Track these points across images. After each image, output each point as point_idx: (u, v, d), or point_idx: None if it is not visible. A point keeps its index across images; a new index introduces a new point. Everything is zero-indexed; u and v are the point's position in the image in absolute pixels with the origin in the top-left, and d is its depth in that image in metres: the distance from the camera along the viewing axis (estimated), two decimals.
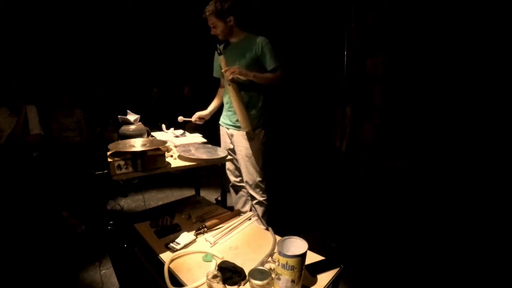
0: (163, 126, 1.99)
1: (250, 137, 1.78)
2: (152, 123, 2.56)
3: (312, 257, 1.08)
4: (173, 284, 0.96)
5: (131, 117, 1.74)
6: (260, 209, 1.90)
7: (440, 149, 2.64)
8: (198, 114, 1.93)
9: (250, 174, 1.83)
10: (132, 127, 1.70)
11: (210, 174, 3.02)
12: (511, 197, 2.15)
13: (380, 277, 1.75)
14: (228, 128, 1.88)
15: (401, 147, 2.84)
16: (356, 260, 1.85)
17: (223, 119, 1.92)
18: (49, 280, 1.70)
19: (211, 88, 2.20)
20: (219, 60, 1.69)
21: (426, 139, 2.72)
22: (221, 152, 1.56)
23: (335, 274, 1.01)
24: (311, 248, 0.97)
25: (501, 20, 2.18)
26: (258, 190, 1.87)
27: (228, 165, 1.96)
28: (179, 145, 1.64)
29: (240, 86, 1.71)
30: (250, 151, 1.79)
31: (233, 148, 1.89)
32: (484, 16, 2.25)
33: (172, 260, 1.07)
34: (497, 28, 2.21)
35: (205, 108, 1.98)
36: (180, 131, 1.89)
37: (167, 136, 1.84)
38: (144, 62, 4.16)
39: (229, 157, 1.64)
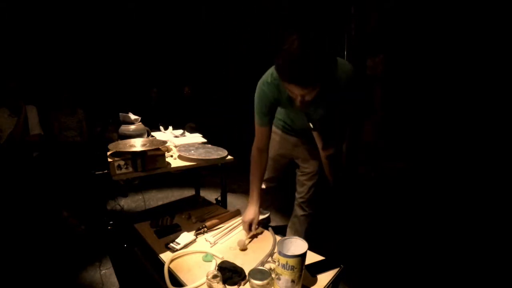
0: (161, 127, 1.99)
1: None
2: (152, 123, 2.56)
3: (312, 257, 1.08)
4: (173, 284, 0.96)
5: (132, 117, 1.74)
6: (306, 223, 1.71)
7: (440, 149, 2.64)
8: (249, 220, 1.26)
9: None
10: (132, 127, 1.70)
11: (210, 174, 3.01)
12: (509, 196, 2.15)
13: (380, 277, 1.75)
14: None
15: (401, 147, 2.84)
16: (356, 260, 1.85)
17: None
18: (49, 280, 1.70)
19: (211, 88, 2.19)
20: (313, 133, 1.36)
21: (426, 139, 2.72)
22: (221, 152, 1.56)
23: (335, 274, 1.01)
24: (311, 248, 0.96)
25: (501, 20, 2.17)
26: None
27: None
28: (179, 145, 1.64)
29: None
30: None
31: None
32: (484, 17, 2.25)
33: (172, 260, 1.07)
34: (496, 28, 2.21)
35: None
36: (180, 131, 1.89)
37: (167, 136, 1.84)
38: (144, 62, 4.16)
39: (229, 157, 1.60)
